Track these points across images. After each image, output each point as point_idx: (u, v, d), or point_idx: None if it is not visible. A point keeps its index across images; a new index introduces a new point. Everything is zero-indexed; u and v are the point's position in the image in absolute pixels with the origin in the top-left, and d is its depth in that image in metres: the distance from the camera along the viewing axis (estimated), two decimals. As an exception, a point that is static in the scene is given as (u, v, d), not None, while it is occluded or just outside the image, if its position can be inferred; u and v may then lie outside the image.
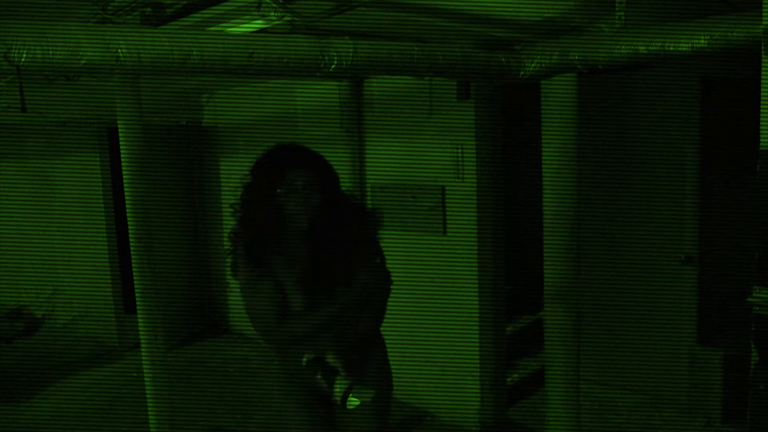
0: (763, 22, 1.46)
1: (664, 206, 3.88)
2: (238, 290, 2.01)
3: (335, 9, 2.18)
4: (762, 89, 1.47)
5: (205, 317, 6.11)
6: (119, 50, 1.74)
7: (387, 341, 2.33)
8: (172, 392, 3.19)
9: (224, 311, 6.02)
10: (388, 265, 2.10)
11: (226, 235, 2.05)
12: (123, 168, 2.97)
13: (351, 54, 2.14)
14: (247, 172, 2.00)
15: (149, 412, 3.13)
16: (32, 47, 1.62)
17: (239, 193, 2.00)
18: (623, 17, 2.23)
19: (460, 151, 3.61)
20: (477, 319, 3.73)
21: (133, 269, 3.03)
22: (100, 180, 5.35)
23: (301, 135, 4.60)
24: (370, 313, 2.08)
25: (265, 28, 2.32)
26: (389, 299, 2.13)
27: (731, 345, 3.71)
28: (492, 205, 3.66)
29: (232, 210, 2.01)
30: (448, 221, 3.77)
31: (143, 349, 3.08)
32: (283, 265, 1.97)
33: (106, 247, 5.38)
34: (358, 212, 2.10)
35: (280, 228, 1.95)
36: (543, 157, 2.82)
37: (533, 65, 2.57)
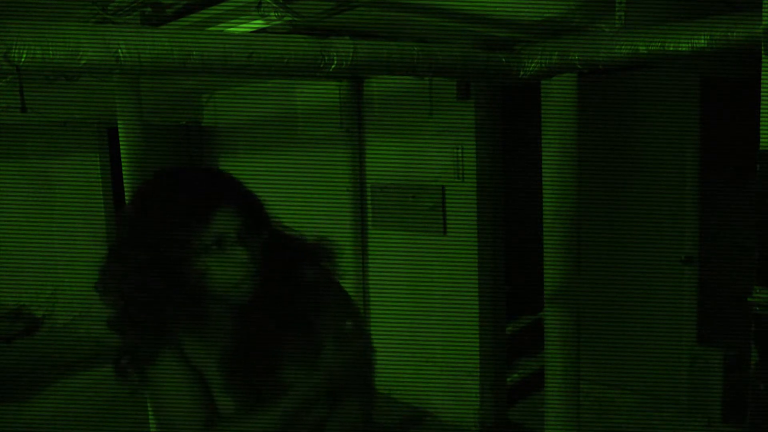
0: (763, 22, 1.46)
1: (664, 206, 3.88)
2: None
3: (335, 9, 2.18)
4: (762, 89, 1.47)
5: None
6: (119, 50, 1.74)
7: (387, 341, 2.24)
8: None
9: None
10: (389, 269, 1.51)
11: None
12: (123, 168, 2.97)
13: (351, 54, 2.14)
14: (126, 222, 1.30)
15: (149, 412, 3.13)
16: (32, 47, 1.62)
17: (113, 257, 1.31)
18: (623, 17, 2.23)
19: (460, 151, 3.61)
20: (477, 319, 3.73)
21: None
22: (100, 180, 5.35)
23: (301, 135, 4.60)
24: (350, 403, 1.32)
25: (265, 28, 2.32)
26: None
27: (731, 345, 3.71)
28: (492, 205, 3.66)
29: (99, 288, 1.34)
30: (448, 221, 3.77)
31: (143, 349, 3.08)
32: (200, 351, 1.26)
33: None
34: (305, 252, 1.35)
35: (198, 303, 1.21)
36: (543, 157, 2.82)
37: (533, 65, 2.57)
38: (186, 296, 1.19)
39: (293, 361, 1.28)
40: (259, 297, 1.24)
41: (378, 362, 1.41)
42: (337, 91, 4.22)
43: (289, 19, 2.18)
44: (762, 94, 1.46)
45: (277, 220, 1.33)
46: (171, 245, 1.17)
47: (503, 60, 2.56)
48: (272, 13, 2.14)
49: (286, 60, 2.03)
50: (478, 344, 3.76)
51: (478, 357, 3.77)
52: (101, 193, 5.36)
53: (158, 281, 1.18)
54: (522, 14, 2.44)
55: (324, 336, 1.27)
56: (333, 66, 2.12)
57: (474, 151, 3.56)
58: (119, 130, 2.94)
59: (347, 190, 4.18)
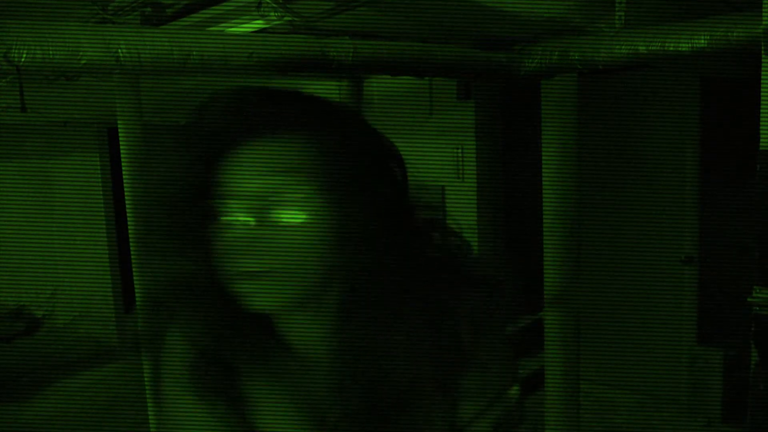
0: (763, 22, 1.46)
1: (664, 206, 3.88)
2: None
3: (335, 9, 2.18)
4: (762, 89, 1.47)
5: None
6: (119, 50, 1.74)
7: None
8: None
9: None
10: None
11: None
12: (123, 168, 2.97)
13: (351, 54, 2.14)
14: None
15: (149, 412, 3.13)
16: (32, 47, 1.62)
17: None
18: (623, 17, 2.23)
19: (460, 151, 3.62)
20: (477, 319, 3.73)
21: (133, 269, 3.03)
22: (100, 180, 5.36)
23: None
24: None
25: (265, 28, 2.32)
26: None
27: (731, 345, 3.71)
28: (492, 205, 3.66)
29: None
30: (448, 221, 3.76)
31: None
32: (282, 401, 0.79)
33: (106, 247, 5.38)
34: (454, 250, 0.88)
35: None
36: (543, 157, 2.82)
37: (533, 65, 2.57)
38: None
39: None
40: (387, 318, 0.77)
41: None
42: (337, 91, 4.22)
43: (289, 19, 2.18)
44: (762, 94, 1.47)
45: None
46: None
47: (503, 59, 2.57)
48: (272, 13, 2.14)
49: (286, 60, 2.03)
50: (478, 344, 3.76)
51: (478, 357, 3.76)
52: (101, 193, 5.36)
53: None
54: (522, 14, 2.44)
55: (474, 404, 0.79)
56: (333, 66, 2.12)
57: (474, 151, 3.57)
58: (119, 130, 2.94)
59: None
